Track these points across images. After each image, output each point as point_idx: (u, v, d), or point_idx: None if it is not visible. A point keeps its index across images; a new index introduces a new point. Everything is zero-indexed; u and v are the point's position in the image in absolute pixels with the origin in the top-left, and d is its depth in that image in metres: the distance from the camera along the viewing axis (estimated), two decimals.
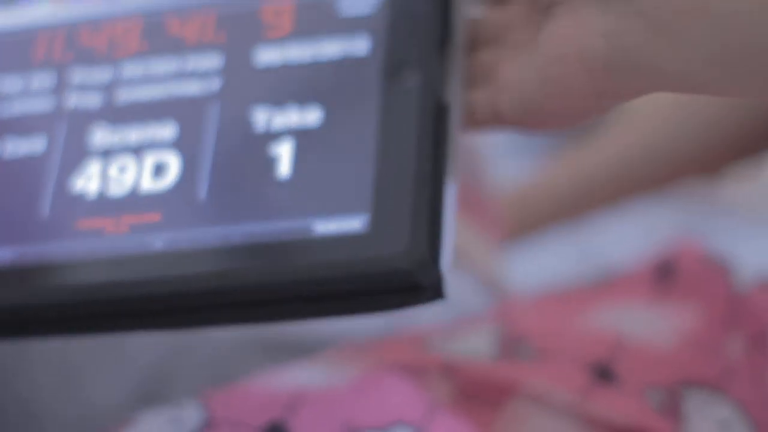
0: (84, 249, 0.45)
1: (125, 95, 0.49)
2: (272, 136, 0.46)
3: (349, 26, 0.48)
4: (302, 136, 0.46)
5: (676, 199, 0.92)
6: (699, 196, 0.93)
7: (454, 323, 0.58)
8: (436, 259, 0.43)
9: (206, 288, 0.44)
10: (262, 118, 0.47)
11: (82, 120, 0.48)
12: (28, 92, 0.49)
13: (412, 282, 0.43)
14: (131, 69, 0.49)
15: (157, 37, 0.50)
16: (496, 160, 1.11)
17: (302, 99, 0.47)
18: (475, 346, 0.54)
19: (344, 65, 0.47)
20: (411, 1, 0.48)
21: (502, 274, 0.68)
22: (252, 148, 0.46)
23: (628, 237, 0.87)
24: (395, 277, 0.42)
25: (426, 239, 0.43)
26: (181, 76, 0.49)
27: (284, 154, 0.46)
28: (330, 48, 0.48)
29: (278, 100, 0.47)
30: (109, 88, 0.49)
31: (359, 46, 0.48)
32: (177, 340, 0.70)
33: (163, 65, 0.49)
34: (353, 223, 0.44)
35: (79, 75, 0.49)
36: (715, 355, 0.55)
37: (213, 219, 0.45)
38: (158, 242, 0.45)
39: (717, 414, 0.52)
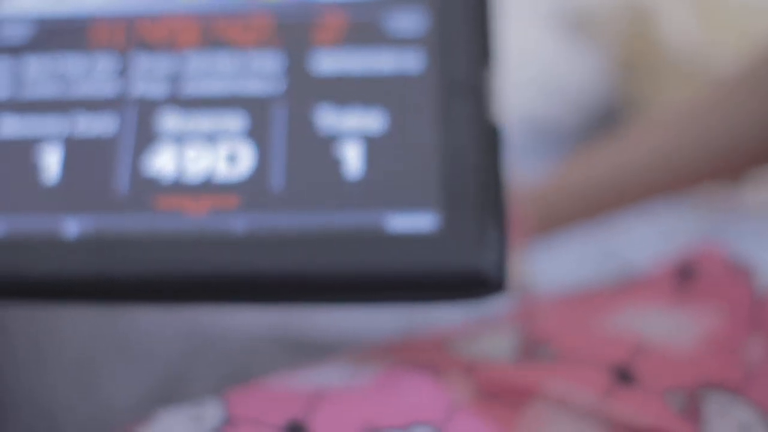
0: (164, 226, 0.48)
1: (191, 87, 0.51)
2: (339, 136, 0.50)
3: (401, 43, 0.52)
4: (369, 139, 0.50)
5: (697, 202, 0.92)
6: (719, 201, 0.93)
7: (475, 324, 0.58)
8: (504, 257, 0.48)
9: (286, 273, 0.47)
10: (327, 119, 0.50)
11: (152, 105, 0.51)
12: (92, 75, 0.52)
13: (485, 280, 0.47)
14: (195, 63, 0.52)
15: (215, 37, 0.53)
16: (512, 159, 1.11)
17: (365, 104, 0.51)
18: (496, 347, 0.54)
19: (401, 77, 0.51)
20: (458, 22, 0.52)
21: (527, 276, 0.68)
22: (319, 147, 0.50)
23: (649, 239, 0.87)
24: (469, 276, 0.47)
25: (497, 241, 0.47)
26: (244, 74, 0.52)
27: (352, 154, 0.49)
28: (384, 63, 0.52)
29: (341, 105, 0.51)
30: (174, 79, 0.52)
31: (412, 64, 0.51)
32: (195, 338, 0.70)
33: (226, 62, 0.52)
34: (425, 221, 0.48)
35: (143, 63, 0.52)
36: (736, 358, 0.54)
37: (288, 208, 0.48)
38: (236, 226, 0.48)
39: (737, 417, 0.52)
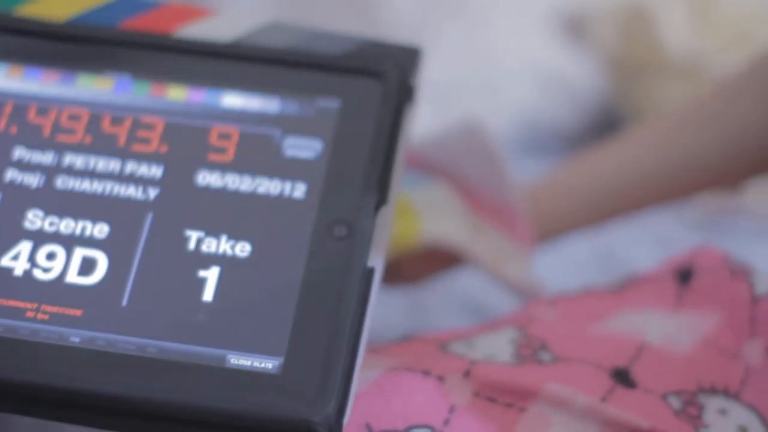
0: (1, 326, 0.47)
1: (62, 183, 0.50)
2: (200, 259, 0.48)
3: (288, 167, 0.50)
4: (230, 267, 0.48)
5: (695, 206, 0.92)
6: (718, 204, 0.93)
7: (476, 327, 0.58)
8: (341, 416, 0.45)
9: (112, 392, 0.45)
10: (192, 239, 0.49)
11: (18, 197, 0.50)
12: None
13: None
14: (72, 159, 0.51)
15: (101, 133, 0.51)
16: (510, 161, 1.11)
17: (235, 230, 0.49)
18: (496, 349, 0.54)
19: (280, 204, 0.50)
20: (351, 159, 0.50)
21: (532, 279, 0.68)
22: (177, 267, 0.48)
23: (648, 242, 0.87)
24: (298, 425, 0.44)
25: (335, 394, 0.45)
26: (120, 177, 0.50)
27: (209, 281, 0.48)
28: (268, 184, 0.50)
29: (211, 225, 0.49)
30: (47, 172, 0.50)
31: (297, 189, 0.50)
32: None
33: (104, 163, 0.51)
34: (267, 362, 0.46)
35: (19, 151, 0.51)
36: (735, 360, 0.54)
37: (132, 329, 0.47)
38: (75, 337, 0.46)
39: (736, 419, 0.52)
